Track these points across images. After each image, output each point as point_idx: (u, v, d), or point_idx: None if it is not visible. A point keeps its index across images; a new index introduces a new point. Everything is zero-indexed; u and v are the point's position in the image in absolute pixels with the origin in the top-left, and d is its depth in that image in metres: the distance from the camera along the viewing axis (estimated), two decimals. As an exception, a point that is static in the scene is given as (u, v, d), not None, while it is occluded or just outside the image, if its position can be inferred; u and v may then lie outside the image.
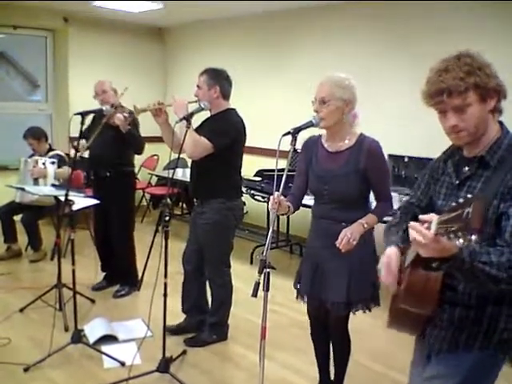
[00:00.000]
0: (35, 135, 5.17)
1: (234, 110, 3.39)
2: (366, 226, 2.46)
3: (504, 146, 1.59)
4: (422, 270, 1.56)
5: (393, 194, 2.71)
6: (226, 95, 3.35)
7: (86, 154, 4.29)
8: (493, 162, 1.58)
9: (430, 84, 1.57)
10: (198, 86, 3.32)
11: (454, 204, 1.28)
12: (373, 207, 2.60)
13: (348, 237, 2.40)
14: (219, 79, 3.31)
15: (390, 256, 1.76)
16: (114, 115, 3.86)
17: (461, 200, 1.26)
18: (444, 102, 1.54)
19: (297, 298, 2.74)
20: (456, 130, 1.57)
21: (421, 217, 1.44)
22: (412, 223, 1.42)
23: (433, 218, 1.34)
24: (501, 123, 1.65)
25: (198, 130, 3.27)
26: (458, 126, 1.56)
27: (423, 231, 1.36)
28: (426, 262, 1.52)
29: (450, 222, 1.25)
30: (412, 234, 1.41)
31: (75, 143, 3.61)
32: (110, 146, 4.03)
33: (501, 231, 1.49)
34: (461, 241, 1.21)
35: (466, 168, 1.65)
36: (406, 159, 4.78)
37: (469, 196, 1.26)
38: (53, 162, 5.04)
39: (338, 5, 5.41)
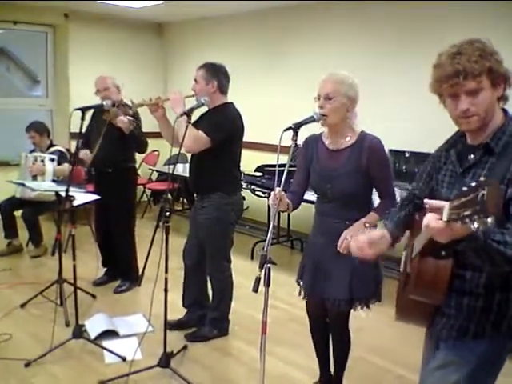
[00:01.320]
0: (38, 129, 5.17)
1: (231, 104, 3.37)
2: (367, 225, 2.45)
3: (508, 132, 1.58)
4: (431, 259, 1.55)
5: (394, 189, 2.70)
6: (223, 90, 3.33)
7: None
8: (497, 149, 1.57)
9: (442, 67, 1.55)
10: (195, 80, 3.30)
11: (464, 188, 1.25)
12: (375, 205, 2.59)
13: (348, 240, 2.39)
14: (217, 74, 3.29)
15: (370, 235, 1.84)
16: (114, 117, 3.84)
17: (473, 184, 1.23)
18: (458, 85, 1.52)
19: (299, 293, 2.74)
20: (467, 115, 1.56)
21: (429, 202, 1.42)
22: (429, 213, 1.40)
23: (443, 204, 1.32)
24: (504, 110, 1.64)
25: (195, 124, 3.26)
26: (470, 110, 1.55)
27: (435, 219, 1.34)
28: (435, 251, 1.52)
29: (463, 207, 1.22)
30: (424, 221, 1.40)
31: (80, 152, 3.64)
32: (112, 145, 4.00)
33: (510, 216, 1.47)
34: (475, 224, 1.19)
35: (472, 156, 1.63)
36: (406, 154, 4.79)
37: (481, 179, 1.22)
38: (52, 159, 5.02)
39: (338, 3, 5.39)
